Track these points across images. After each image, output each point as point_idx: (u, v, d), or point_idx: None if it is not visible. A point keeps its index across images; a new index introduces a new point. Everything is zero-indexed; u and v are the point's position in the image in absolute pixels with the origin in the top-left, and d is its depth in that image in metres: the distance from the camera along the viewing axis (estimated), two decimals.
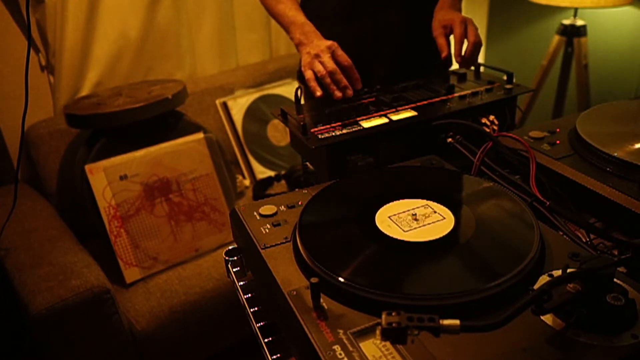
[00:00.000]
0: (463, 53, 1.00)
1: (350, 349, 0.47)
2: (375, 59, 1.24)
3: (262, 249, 0.63)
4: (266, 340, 0.61)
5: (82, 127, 1.73)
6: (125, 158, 1.62)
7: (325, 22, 1.23)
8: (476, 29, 1.04)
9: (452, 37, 1.06)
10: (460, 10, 1.12)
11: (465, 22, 1.03)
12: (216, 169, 1.76)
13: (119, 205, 1.59)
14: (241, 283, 0.70)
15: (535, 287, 0.53)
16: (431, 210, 0.65)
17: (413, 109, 0.90)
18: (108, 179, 1.59)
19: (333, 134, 0.82)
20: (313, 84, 0.98)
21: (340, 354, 0.47)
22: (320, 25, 1.19)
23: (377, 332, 0.41)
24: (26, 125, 1.45)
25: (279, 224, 0.67)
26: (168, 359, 1.58)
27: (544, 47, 2.20)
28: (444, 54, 1.05)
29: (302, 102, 0.95)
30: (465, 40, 1.01)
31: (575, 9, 2.08)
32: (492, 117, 0.91)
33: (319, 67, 0.99)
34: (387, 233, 0.61)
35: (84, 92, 1.86)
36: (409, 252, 0.59)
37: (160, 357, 1.54)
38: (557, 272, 0.54)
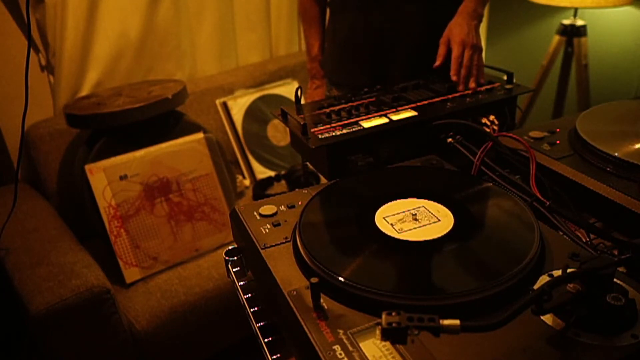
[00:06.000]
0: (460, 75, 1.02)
1: (350, 349, 0.47)
2: (394, 51, 1.25)
3: (262, 249, 0.63)
4: (266, 340, 0.61)
5: (82, 127, 1.72)
6: (125, 158, 1.62)
7: (347, 13, 1.27)
8: (474, 51, 1.05)
9: None
10: (479, 16, 1.12)
11: (464, 45, 1.05)
12: (216, 169, 1.76)
13: (119, 205, 1.59)
14: (241, 283, 0.70)
15: (535, 287, 0.53)
16: (431, 210, 0.65)
17: (413, 109, 0.90)
18: (108, 179, 1.59)
19: (333, 134, 0.82)
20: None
21: (340, 354, 0.47)
22: (343, 16, 1.31)
23: (377, 332, 0.41)
24: (26, 125, 1.45)
25: (279, 224, 0.67)
26: (168, 359, 1.58)
27: (544, 47, 2.20)
28: (434, 64, 1.09)
29: (302, 102, 0.96)
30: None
31: (575, 9, 2.08)
32: (492, 117, 0.91)
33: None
34: (387, 233, 0.61)
35: (84, 92, 1.86)
36: (409, 252, 0.59)
37: (160, 357, 1.54)
38: (557, 272, 0.54)
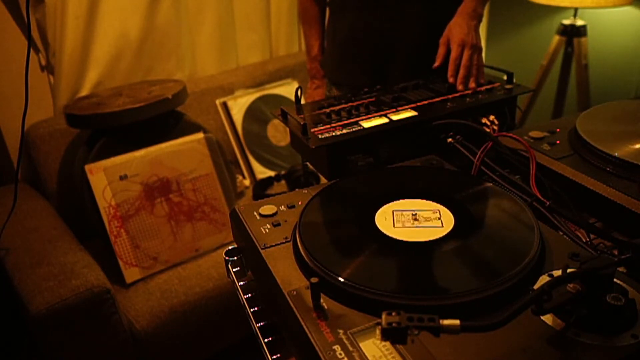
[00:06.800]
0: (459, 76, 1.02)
1: (350, 349, 0.47)
2: (394, 51, 1.26)
3: (262, 249, 0.63)
4: (266, 340, 0.61)
5: (82, 127, 1.72)
6: (125, 158, 1.62)
7: (347, 13, 1.27)
8: (474, 51, 1.05)
9: None
10: (479, 16, 1.12)
11: (464, 45, 1.05)
12: (216, 169, 1.76)
13: (119, 205, 1.59)
14: (241, 283, 0.70)
15: (535, 287, 0.53)
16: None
17: (413, 109, 0.90)
18: (108, 179, 1.59)
19: (333, 134, 0.82)
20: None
21: (340, 354, 0.47)
22: (342, 15, 1.31)
23: (377, 332, 0.41)
24: (26, 125, 1.45)
25: (279, 224, 0.67)
26: (168, 359, 1.58)
27: (544, 47, 2.20)
28: (434, 65, 1.10)
29: (302, 102, 0.96)
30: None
31: (575, 9, 2.08)
32: (492, 117, 0.91)
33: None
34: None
35: (84, 92, 1.86)
36: (409, 252, 0.59)
37: (160, 357, 1.54)
38: (557, 272, 0.54)
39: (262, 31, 2.25)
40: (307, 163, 0.94)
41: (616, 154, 0.71)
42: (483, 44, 1.14)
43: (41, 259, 1.41)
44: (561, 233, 0.63)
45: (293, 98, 0.97)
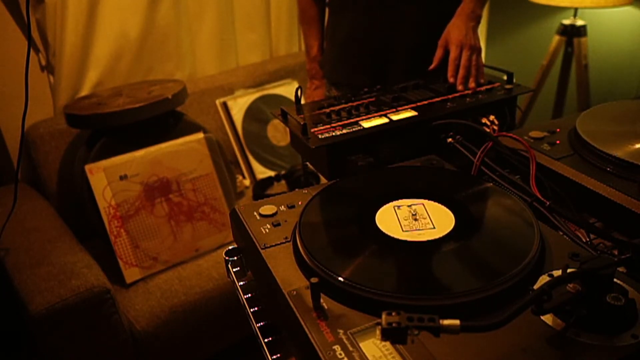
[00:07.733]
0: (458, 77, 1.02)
1: (350, 349, 0.47)
2: (394, 51, 1.26)
3: (262, 249, 0.63)
4: (266, 340, 0.61)
5: (82, 127, 1.73)
6: (125, 158, 1.62)
7: (347, 13, 1.27)
8: (472, 52, 1.05)
9: None
10: (477, 17, 1.13)
11: (462, 46, 1.05)
12: (216, 169, 1.76)
13: (119, 205, 1.59)
14: (241, 283, 0.70)
15: (535, 287, 0.53)
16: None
17: (413, 109, 0.90)
18: (108, 179, 1.59)
19: (333, 134, 0.82)
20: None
21: (340, 354, 0.47)
22: (342, 16, 1.32)
23: (377, 332, 0.41)
24: (26, 125, 1.45)
25: (279, 224, 0.67)
26: (168, 359, 1.58)
27: (544, 47, 2.20)
28: (430, 67, 1.11)
29: (302, 102, 0.96)
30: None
31: (575, 9, 2.08)
32: (492, 117, 0.91)
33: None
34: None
35: (84, 92, 1.86)
36: (409, 252, 0.59)
37: (160, 357, 1.54)
38: (557, 272, 0.54)
39: (262, 31, 2.25)
40: (307, 163, 0.94)
41: (616, 154, 0.71)
42: (483, 44, 1.14)
43: (41, 259, 1.41)
44: (561, 233, 0.63)
45: (293, 98, 0.97)
